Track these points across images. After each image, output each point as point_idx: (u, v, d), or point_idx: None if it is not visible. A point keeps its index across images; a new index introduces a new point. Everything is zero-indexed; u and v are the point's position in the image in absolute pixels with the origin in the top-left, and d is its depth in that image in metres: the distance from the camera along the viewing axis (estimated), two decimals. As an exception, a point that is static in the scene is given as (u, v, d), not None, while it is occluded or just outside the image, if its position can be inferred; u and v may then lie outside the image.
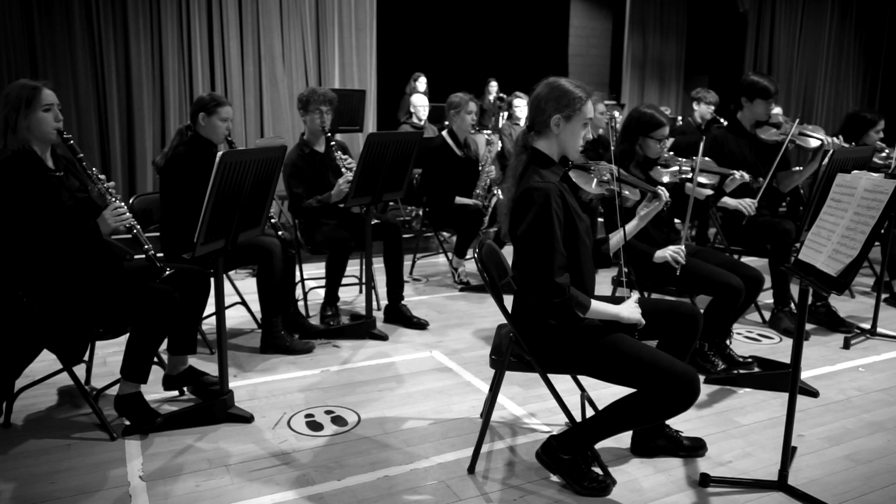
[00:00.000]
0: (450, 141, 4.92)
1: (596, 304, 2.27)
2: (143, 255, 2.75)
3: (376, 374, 3.38)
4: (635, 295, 2.38)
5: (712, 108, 6.10)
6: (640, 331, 2.42)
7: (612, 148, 2.83)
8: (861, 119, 4.42)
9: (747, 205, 3.79)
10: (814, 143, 3.97)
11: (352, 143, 7.42)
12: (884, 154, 4.38)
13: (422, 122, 6.91)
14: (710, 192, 3.48)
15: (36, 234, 2.55)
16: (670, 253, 3.02)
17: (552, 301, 2.19)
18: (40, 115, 2.60)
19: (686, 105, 6.33)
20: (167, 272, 2.75)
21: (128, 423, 2.73)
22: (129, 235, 2.74)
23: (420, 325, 4.07)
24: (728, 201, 3.82)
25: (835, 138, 3.99)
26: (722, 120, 6.14)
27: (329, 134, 4.02)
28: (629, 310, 2.32)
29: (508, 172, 2.37)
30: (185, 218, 3.13)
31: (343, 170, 3.93)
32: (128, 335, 2.73)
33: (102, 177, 2.72)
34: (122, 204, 2.70)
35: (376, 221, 4.13)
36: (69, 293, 2.62)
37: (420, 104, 6.93)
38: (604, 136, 5.43)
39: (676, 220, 3.82)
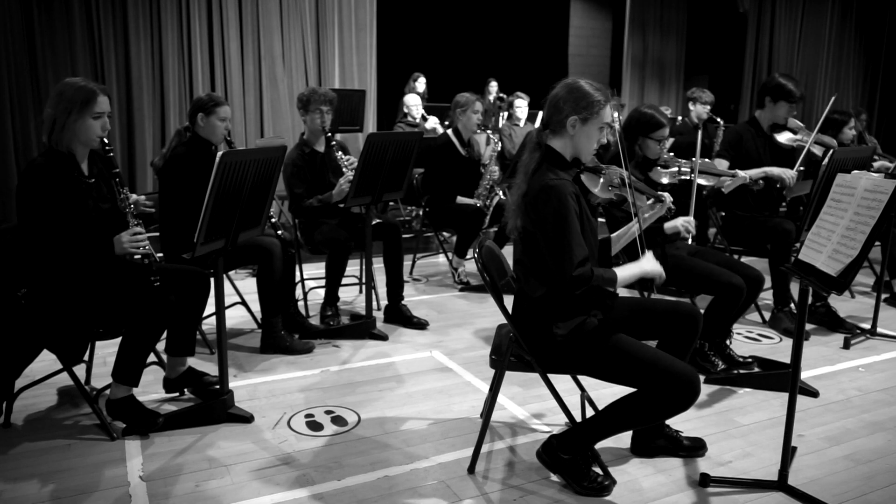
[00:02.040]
0: (454, 140, 4.93)
1: (620, 272, 2.28)
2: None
3: (376, 374, 3.38)
4: (650, 252, 2.40)
5: (708, 107, 6.10)
6: (640, 331, 2.42)
7: (623, 154, 2.78)
8: (832, 121, 4.70)
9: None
10: (819, 151, 3.98)
11: (352, 143, 7.42)
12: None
13: (416, 120, 6.91)
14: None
15: (52, 238, 2.53)
16: (682, 222, 2.99)
17: (575, 293, 2.20)
18: (90, 121, 2.58)
19: (686, 105, 6.34)
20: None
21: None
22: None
23: (420, 325, 4.06)
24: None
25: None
26: (719, 119, 6.14)
27: (329, 134, 4.02)
28: (651, 263, 2.35)
29: (519, 168, 2.36)
30: (184, 218, 3.12)
31: (344, 169, 3.92)
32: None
33: (133, 196, 2.69)
34: (143, 230, 2.66)
35: (376, 221, 4.13)
36: (69, 293, 2.62)
37: (413, 104, 6.95)
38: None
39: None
